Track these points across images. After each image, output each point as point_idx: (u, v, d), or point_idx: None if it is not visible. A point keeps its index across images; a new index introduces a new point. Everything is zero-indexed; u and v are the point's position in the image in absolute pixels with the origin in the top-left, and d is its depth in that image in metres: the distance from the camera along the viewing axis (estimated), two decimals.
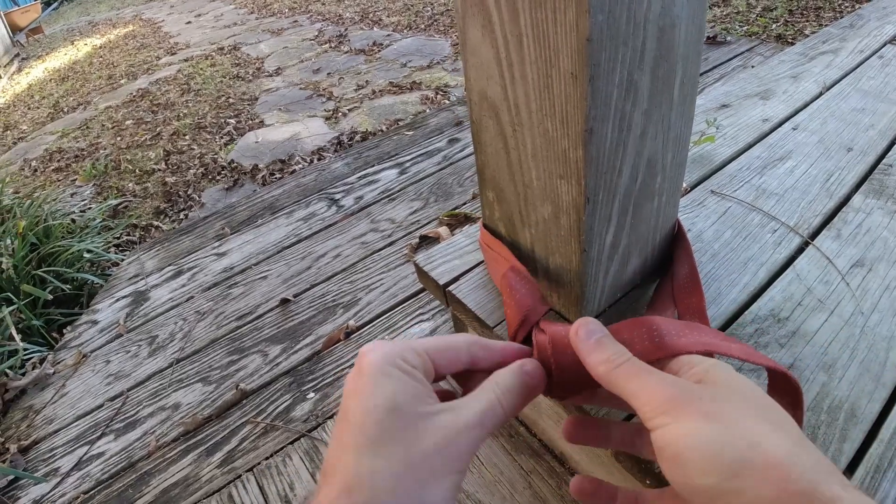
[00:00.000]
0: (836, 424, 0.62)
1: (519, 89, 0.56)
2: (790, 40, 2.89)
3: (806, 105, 1.24)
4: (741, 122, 1.19)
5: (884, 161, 1.04)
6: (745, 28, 3.15)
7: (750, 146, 1.11)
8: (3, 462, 1.30)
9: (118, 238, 2.38)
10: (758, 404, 0.34)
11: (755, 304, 0.77)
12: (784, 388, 0.43)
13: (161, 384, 1.43)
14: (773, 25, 3.12)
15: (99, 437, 1.32)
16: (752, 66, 2.02)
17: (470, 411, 0.36)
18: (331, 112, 3.29)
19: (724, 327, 0.73)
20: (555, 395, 0.45)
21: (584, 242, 0.60)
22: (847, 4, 3.28)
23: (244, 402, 1.32)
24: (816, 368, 0.68)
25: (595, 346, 0.40)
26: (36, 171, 3.37)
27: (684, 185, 1.00)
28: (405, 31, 4.69)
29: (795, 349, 0.70)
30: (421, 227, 1.83)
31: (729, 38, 2.97)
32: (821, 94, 1.28)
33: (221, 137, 3.26)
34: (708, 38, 2.98)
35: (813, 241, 0.87)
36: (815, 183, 0.99)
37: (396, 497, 0.31)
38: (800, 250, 0.85)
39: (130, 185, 2.90)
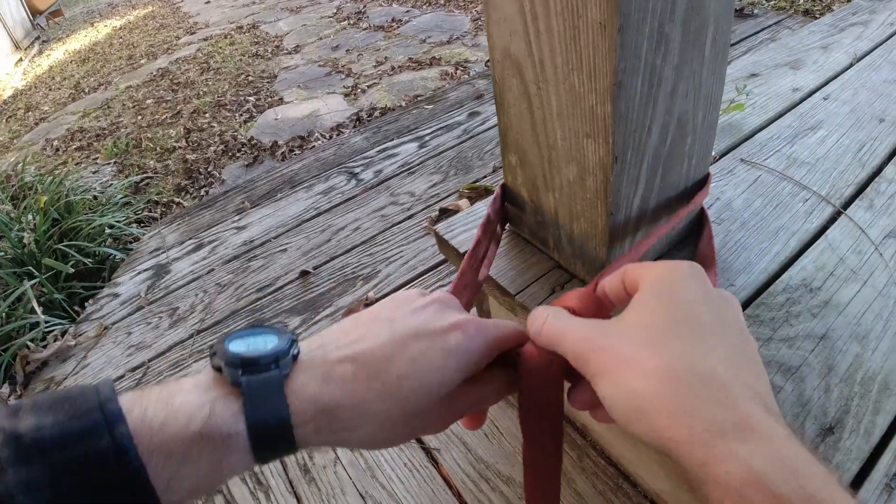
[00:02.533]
0: (870, 396, 0.61)
1: (544, 43, 0.54)
2: (818, 15, 2.81)
3: (836, 75, 1.21)
4: (771, 91, 1.16)
5: None
6: (771, 2, 3.07)
7: (780, 115, 1.08)
8: None
9: (139, 214, 2.40)
10: (669, 331, 0.36)
11: (786, 273, 0.75)
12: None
13: (182, 355, 1.44)
14: (800, 0, 3.04)
15: None
16: (780, 39, 1.96)
17: None
18: (350, 88, 3.27)
19: (754, 296, 0.72)
20: None
21: (611, 205, 0.59)
22: None
23: None
24: (850, 339, 0.66)
25: (530, 322, 0.44)
26: (58, 150, 3.40)
27: (713, 152, 0.98)
28: (424, 6, 4.64)
29: (828, 319, 0.68)
30: (440, 200, 1.81)
31: (756, 12, 2.89)
32: (851, 64, 1.24)
33: (241, 115, 3.26)
34: (734, 10, 2.91)
35: (845, 210, 0.84)
36: (846, 153, 0.96)
37: None
38: (832, 220, 0.83)
39: (151, 162, 2.91)
